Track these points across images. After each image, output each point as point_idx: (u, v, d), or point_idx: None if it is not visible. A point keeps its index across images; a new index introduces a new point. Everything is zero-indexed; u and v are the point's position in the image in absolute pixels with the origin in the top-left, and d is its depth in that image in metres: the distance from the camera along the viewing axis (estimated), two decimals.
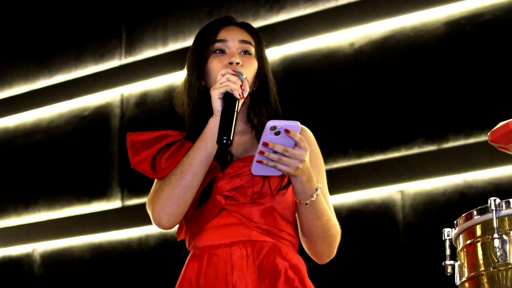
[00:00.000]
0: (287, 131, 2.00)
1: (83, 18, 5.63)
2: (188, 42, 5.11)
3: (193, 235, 2.26)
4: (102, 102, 5.41)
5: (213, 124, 2.14)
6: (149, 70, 5.20)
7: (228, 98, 2.11)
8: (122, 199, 5.16)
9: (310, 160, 2.17)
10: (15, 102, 5.75)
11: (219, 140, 2.03)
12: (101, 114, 5.39)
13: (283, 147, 2.03)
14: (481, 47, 4.14)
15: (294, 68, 4.66)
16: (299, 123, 2.02)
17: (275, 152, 2.03)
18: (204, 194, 2.22)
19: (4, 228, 5.58)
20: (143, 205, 4.99)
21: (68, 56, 5.61)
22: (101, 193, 5.25)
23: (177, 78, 5.11)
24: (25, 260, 5.49)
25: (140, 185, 5.06)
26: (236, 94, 2.11)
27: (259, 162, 2.05)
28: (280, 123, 2.00)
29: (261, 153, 2.04)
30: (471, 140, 4.05)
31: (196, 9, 5.13)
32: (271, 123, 1.99)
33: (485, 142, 2.12)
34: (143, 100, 5.23)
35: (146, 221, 5.00)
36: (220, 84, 2.13)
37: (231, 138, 2.03)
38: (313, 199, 2.16)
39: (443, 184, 4.11)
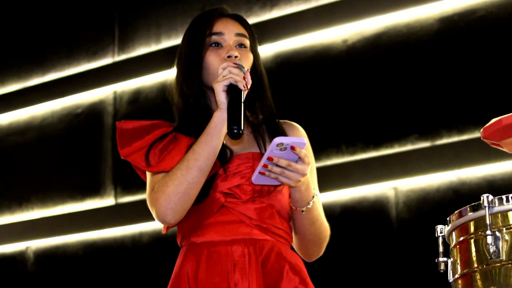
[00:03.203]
0: (293, 148, 2.03)
1: (76, 15, 5.62)
2: (181, 39, 5.09)
3: (190, 231, 2.22)
4: (95, 100, 5.40)
5: (218, 118, 2.13)
6: (142, 67, 5.19)
7: (233, 90, 2.10)
8: (116, 197, 5.15)
9: None
10: (8, 100, 5.74)
11: (230, 130, 2.03)
12: (94, 111, 5.38)
13: (287, 162, 2.05)
14: (474, 43, 4.14)
15: (287, 65, 4.65)
16: (304, 139, 2.04)
17: (278, 166, 2.06)
18: (203, 191, 2.18)
19: None
20: (136, 203, 5.04)
21: (60, 54, 5.60)
22: (94, 191, 5.24)
23: (170, 75, 5.11)
24: (18, 258, 5.48)
25: (133, 183, 5.05)
26: (241, 86, 2.09)
27: (262, 173, 2.08)
28: (286, 140, 2.02)
29: (265, 166, 2.06)
30: (464, 137, 4.05)
31: (189, 6, 5.12)
32: (278, 140, 2.01)
33: (478, 139, 2.12)
34: (136, 98, 5.22)
35: (139, 218, 5.02)
36: (222, 77, 2.11)
37: (242, 128, 2.03)
38: (309, 206, 2.18)
39: (436, 180, 4.11)
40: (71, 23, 5.62)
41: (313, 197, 2.18)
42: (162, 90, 5.09)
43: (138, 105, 5.19)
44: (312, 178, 2.26)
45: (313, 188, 2.19)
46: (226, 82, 2.10)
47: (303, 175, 2.07)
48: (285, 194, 2.24)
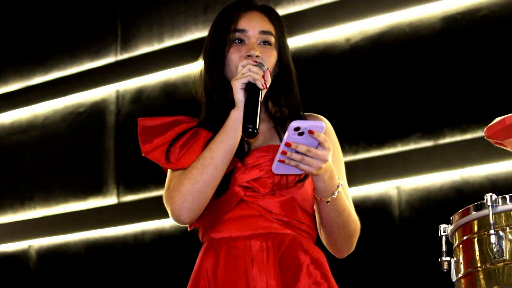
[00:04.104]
0: (311, 132, 1.96)
1: (78, 14, 5.62)
2: (184, 38, 5.10)
3: (209, 226, 2.19)
4: (97, 99, 5.40)
5: (235, 115, 2.08)
6: (144, 66, 5.19)
7: (251, 88, 2.06)
8: (118, 196, 5.15)
9: None
10: (11, 98, 5.74)
11: (244, 129, 1.98)
12: (96, 110, 5.38)
13: (306, 148, 1.98)
14: (477, 42, 4.14)
15: None
16: (323, 123, 1.97)
17: (297, 152, 1.99)
18: (222, 185, 2.13)
19: (0, 224, 5.57)
20: (138, 202, 5.04)
21: (63, 53, 5.60)
22: (97, 190, 5.24)
23: (173, 74, 5.11)
24: (21, 257, 5.48)
25: (135, 182, 5.05)
26: (259, 84, 2.05)
27: (281, 161, 2.01)
28: (304, 124, 1.94)
29: (284, 153, 1.99)
30: (467, 136, 4.05)
31: (192, 5, 5.11)
32: (295, 123, 1.94)
33: (482, 138, 2.11)
34: (139, 96, 5.22)
35: (142, 217, 5.02)
36: (241, 74, 2.07)
37: (257, 127, 1.98)
38: (334, 196, 2.11)
39: (439, 180, 4.10)
40: (73, 22, 5.62)
41: (338, 186, 2.11)
42: (164, 89, 5.09)
43: (141, 104, 5.19)
44: (338, 168, 2.21)
45: (337, 177, 2.12)
46: (245, 80, 2.06)
47: (324, 161, 2.00)
48: (307, 187, 2.19)
